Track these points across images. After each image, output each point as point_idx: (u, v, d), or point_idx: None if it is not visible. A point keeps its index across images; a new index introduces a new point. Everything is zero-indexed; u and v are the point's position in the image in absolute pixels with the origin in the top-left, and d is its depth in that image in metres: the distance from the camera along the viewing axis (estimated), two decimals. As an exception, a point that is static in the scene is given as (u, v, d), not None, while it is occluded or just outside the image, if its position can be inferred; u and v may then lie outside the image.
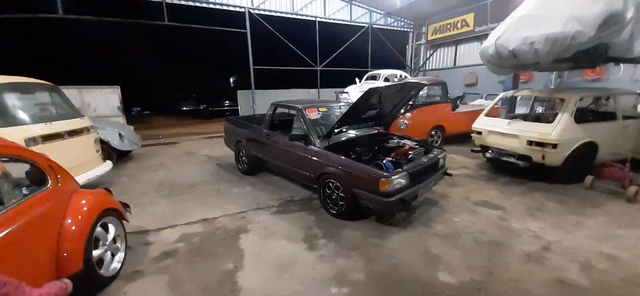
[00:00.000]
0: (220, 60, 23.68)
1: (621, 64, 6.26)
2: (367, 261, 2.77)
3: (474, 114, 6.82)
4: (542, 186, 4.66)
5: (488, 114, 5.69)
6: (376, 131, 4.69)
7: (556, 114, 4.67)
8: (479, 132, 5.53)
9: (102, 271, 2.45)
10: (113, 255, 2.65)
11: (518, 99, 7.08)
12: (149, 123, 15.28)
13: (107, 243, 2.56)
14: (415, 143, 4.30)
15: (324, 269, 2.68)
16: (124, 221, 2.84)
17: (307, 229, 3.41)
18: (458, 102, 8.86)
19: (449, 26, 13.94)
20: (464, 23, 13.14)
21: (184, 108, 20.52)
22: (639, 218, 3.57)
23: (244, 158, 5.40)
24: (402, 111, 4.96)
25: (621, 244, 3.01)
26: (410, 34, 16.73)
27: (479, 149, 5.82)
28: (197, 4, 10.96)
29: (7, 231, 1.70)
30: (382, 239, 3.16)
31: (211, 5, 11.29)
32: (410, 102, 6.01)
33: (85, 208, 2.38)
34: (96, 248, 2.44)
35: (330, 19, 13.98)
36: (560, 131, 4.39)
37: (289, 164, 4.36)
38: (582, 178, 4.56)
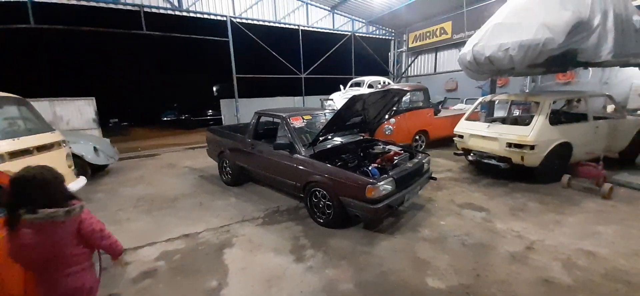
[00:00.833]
0: (202, 69, 23.26)
1: (590, 68, 6.63)
2: (357, 271, 2.72)
3: (456, 118, 7.00)
4: (522, 187, 4.80)
5: (468, 118, 5.85)
6: (361, 138, 4.70)
7: (532, 117, 4.86)
8: (461, 136, 5.67)
9: (73, 297, 2.26)
10: (86, 278, 2.45)
11: (496, 103, 7.34)
12: (128, 135, 14.73)
13: (79, 265, 2.38)
14: (400, 148, 4.33)
15: (313, 281, 2.61)
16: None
17: (295, 240, 3.33)
18: (440, 107, 9.09)
19: (428, 34, 14.37)
20: (442, 31, 13.58)
21: (165, 119, 19.86)
22: (614, 215, 3.72)
23: (227, 169, 5.27)
24: (386, 116, 5.00)
25: (600, 240, 3.12)
26: (392, 42, 17.11)
27: (462, 152, 5.95)
28: (177, 13, 10.76)
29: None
30: (371, 246, 3.13)
31: (191, 14, 11.11)
32: (394, 108, 6.12)
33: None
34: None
35: (313, 28, 14.10)
36: (537, 133, 4.56)
37: (275, 174, 4.28)
38: (560, 177, 4.73)
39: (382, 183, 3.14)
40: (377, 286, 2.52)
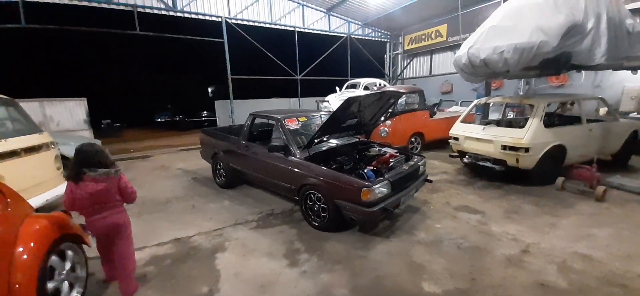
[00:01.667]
0: (197, 70, 23.04)
1: (583, 71, 6.69)
2: (352, 275, 2.68)
3: (451, 121, 7.01)
4: (517, 189, 4.80)
5: (464, 121, 5.86)
6: (357, 140, 4.67)
7: (527, 120, 4.87)
8: (456, 138, 5.67)
9: (58, 305, 2.19)
10: (72, 286, 2.38)
11: (491, 105, 7.38)
12: (120, 136, 14.51)
13: (64, 272, 2.30)
14: (396, 151, 4.31)
15: (307, 286, 2.56)
16: (85, 246, 2.58)
17: (289, 244, 3.27)
18: (435, 109, 9.10)
19: (423, 37, 14.44)
20: (437, 34, 13.65)
21: (159, 120, 19.58)
22: (608, 217, 3.74)
23: (221, 171, 5.19)
24: (382, 119, 4.98)
25: (594, 243, 3.12)
26: (388, 44, 17.17)
27: (457, 154, 5.95)
28: (171, 13, 10.65)
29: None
30: (366, 250, 3.09)
31: (186, 15, 11.01)
32: (390, 110, 6.10)
33: (37, 235, 2.13)
34: (51, 278, 2.19)
35: (309, 29, 14.07)
36: (532, 135, 4.57)
37: (269, 176, 4.22)
38: (554, 180, 4.75)
39: (377, 185, 3.10)
40: (372, 291, 2.48)
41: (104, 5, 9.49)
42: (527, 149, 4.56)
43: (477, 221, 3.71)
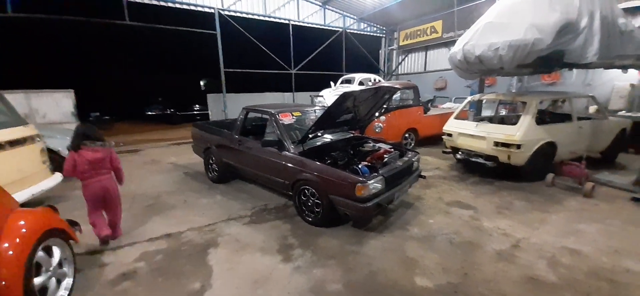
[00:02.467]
0: (189, 62, 22.60)
1: (574, 69, 6.77)
2: (345, 271, 2.67)
3: (445, 117, 7.04)
4: (508, 185, 4.86)
5: (457, 117, 5.89)
6: (351, 135, 4.65)
7: (519, 117, 4.92)
8: (450, 135, 5.71)
9: (45, 301, 2.13)
10: (59, 282, 2.32)
11: (484, 102, 7.45)
12: (110, 130, 14.16)
13: (51, 268, 2.24)
14: (390, 146, 4.30)
15: (300, 281, 2.55)
16: (72, 242, 2.52)
17: (283, 239, 3.26)
18: (429, 105, 9.14)
19: (419, 32, 14.44)
20: (433, 30, 13.67)
21: (150, 113, 19.11)
22: (596, 213, 3.81)
23: (214, 166, 5.12)
24: (376, 114, 4.96)
25: (583, 238, 3.18)
26: (383, 39, 17.13)
27: (450, 150, 6.00)
28: (162, 3, 10.39)
29: None
30: (360, 245, 3.09)
31: (178, 5, 10.77)
32: (385, 106, 6.10)
33: (23, 230, 2.07)
34: (38, 274, 2.13)
35: (304, 23, 13.93)
36: (524, 132, 4.62)
37: (262, 171, 4.18)
38: (544, 176, 4.83)
39: (371, 181, 3.10)
40: (365, 286, 2.48)
41: (93, -6, 9.22)
42: (519, 146, 4.61)
43: (469, 217, 3.75)
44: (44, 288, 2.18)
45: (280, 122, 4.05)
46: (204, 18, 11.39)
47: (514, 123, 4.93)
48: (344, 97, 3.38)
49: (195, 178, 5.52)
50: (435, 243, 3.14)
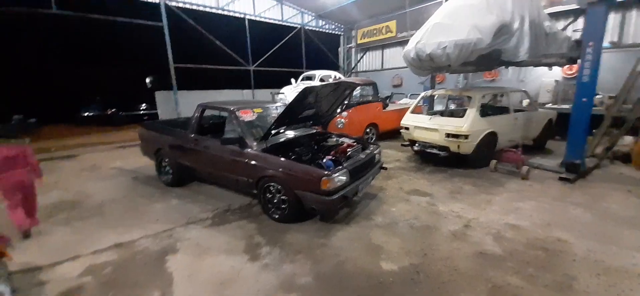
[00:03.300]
0: (132, 57, 20.41)
1: (509, 67, 7.60)
2: (314, 263, 2.68)
3: (402, 112, 7.41)
4: (459, 172, 5.31)
5: (413, 112, 6.25)
6: (315, 131, 4.66)
7: (466, 110, 5.39)
8: (407, 128, 6.03)
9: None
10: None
11: (435, 97, 8.02)
12: (37, 134, 12.32)
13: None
14: (353, 141, 4.41)
15: (269, 278, 2.49)
16: (4, 259, 2.15)
17: (249, 239, 3.15)
18: (388, 101, 9.56)
19: (375, 31, 14.99)
20: (387, 29, 14.30)
21: (86, 114, 16.75)
22: (531, 192, 4.33)
23: (167, 168, 4.77)
24: (338, 110, 5.04)
25: (521, 215, 3.59)
26: (342, 37, 17.47)
27: (408, 143, 6.35)
28: (101, -9, 9.33)
29: None
30: (327, 238, 3.12)
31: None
32: (346, 102, 6.22)
33: None
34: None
35: (261, 17, 13.58)
36: (470, 124, 5.07)
37: (224, 171, 3.99)
38: (488, 163, 5.36)
39: (336, 174, 3.14)
40: (334, 276, 2.51)
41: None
42: (466, 136, 5.05)
43: (426, 203, 4.00)
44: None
45: (241, 119, 3.90)
46: (148, 9, 10.44)
47: (462, 116, 5.38)
48: (305, 92, 3.37)
49: (146, 182, 5.08)
50: (398, 228, 3.30)
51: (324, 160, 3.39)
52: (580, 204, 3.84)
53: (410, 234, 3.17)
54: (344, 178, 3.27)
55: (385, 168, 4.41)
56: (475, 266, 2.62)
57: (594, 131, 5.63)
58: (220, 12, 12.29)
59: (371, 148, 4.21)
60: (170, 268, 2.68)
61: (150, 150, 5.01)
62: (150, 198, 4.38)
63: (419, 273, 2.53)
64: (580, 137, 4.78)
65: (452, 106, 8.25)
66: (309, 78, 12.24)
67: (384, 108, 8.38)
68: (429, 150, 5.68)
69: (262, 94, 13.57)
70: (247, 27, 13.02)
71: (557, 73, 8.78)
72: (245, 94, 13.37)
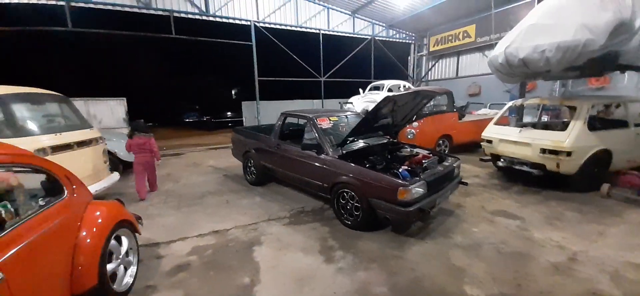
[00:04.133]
0: (223, 72, 23.80)
1: (626, 73, 6.27)
2: (389, 275, 2.67)
3: (481, 123, 6.78)
4: (557, 195, 4.57)
5: (497, 123, 5.66)
6: (387, 140, 4.64)
7: (565, 122, 4.64)
8: (490, 141, 5.48)
9: (115, 287, 2.36)
10: (126, 269, 2.55)
11: (525, 107, 7.08)
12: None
13: (121, 256, 2.47)
14: (428, 152, 4.24)
15: (345, 282, 2.58)
16: (136, 234, 2.76)
17: (323, 241, 3.31)
18: (464, 111, 8.85)
19: (450, 37, 14.09)
20: (465, 34, 13.28)
21: (187, 120, 20.43)
22: (662, 227, 3.47)
23: (252, 168, 5.34)
24: (413, 119, 4.92)
25: (649, 254, 2.91)
26: (412, 46, 16.90)
27: (489, 158, 5.76)
28: (204, 17, 11.09)
29: (24, 243, 1.62)
30: (401, 250, 3.06)
31: (217, 19, 11.42)
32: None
33: (99, 220, 2.30)
34: (110, 261, 2.36)
35: (333, 32, 14.15)
36: (575, 139, 4.34)
37: (301, 174, 4.29)
38: (598, 186, 4.49)
39: (414, 185, 3.08)
40: (412, 291, 2.46)
41: (144, 11, 10.05)
42: (569, 153, 4.34)
43: (516, 227, 3.57)
44: (113, 275, 2.40)
45: (319, 126, 4.15)
46: (240, 30, 11.98)
47: (562, 129, 4.64)
48: (386, 100, 3.41)
49: (234, 179, 5.78)
50: (482, 251, 3.03)
51: (400, 170, 3.35)
52: None
53: (498, 260, 2.88)
54: (422, 190, 3.17)
55: (466, 183, 4.11)
56: (585, 306, 2.24)
57: None
58: (298, 29, 13.27)
59: (449, 161, 3.98)
60: (257, 257, 3.00)
61: (239, 152, 5.70)
62: (237, 193, 4.98)
63: (511, 303, 2.29)
64: None
65: (545, 118, 7.16)
66: (377, 88, 12.17)
67: (460, 119, 7.78)
68: (517, 167, 5.04)
69: (331, 104, 14.03)
70: (320, 41, 13.72)
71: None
72: (315, 104, 14.04)
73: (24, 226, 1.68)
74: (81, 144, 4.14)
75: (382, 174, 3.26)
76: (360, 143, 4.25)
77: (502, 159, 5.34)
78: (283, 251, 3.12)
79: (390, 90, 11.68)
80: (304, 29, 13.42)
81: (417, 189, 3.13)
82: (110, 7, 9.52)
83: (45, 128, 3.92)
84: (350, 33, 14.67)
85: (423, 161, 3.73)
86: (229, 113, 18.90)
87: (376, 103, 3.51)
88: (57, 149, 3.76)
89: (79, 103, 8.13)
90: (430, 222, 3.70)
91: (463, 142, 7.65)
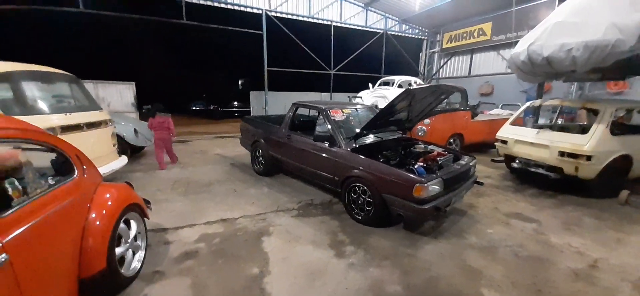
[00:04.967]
0: (231, 61, 23.72)
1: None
2: (403, 273, 2.58)
3: (494, 123, 6.60)
4: (573, 200, 4.43)
5: (513, 123, 5.49)
6: (400, 135, 4.52)
7: (584, 125, 4.46)
8: (505, 142, 5.33)
9: (123, 271, 2.31)
10: (134, 253, 2.51)
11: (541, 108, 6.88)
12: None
13: (129, 240, 2.42)
14: (443, 149, 4.12)
15: (357, 279, 2.50)
16: (144, 218, 2.70)
17: (333, 235, 3.24)
18: (476, 110, 8.65)
19: (465, 35, 13.77)
20: (480, 32, 12.96)
21: (194, 108, 20.42)
22: (688, 238, 3.33)
23: (260, 159, 5.27)
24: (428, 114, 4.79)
25: (676, 265, 2.78)
26: (424, 42, 16.59)
27: (502, 158, 5.61)
28: (216, 4, 10.95)
29: (31, 223, 1.54)
30: (415, 249, 2.98)
31: (229, 6, 11.28)
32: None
33: (109, 203, 2.24)
34: (118, 245, 2.30)
35: (345, 24, 13.92)
36: (596, 143, 4.18)
37: (311, 166, 4.20)
38: (616, 193, 4.34)
39: (431, 182, 2.97)
40: (426, 290, 2.37)
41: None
42: (589, 158, 4.18)
43: (532, 230, 3.46)
44: (122, 259, 2.35)
45: (332, 118, 4.05)
46: (251, 19, 11.82)
47: (582, 132, 4.47)
48: (406, 93, 3.29)
49: (242, 169, 5.73)
50: (499, 254, 2.93)
51: (416, 166, 3.24)
52: None
53: (516, 264, 2.77)
54: (438, 187, 3.07)
55: (481, 183, 3.99)
56: (610, 317, 2.13)
57: None
58: (310, 20, 13.06)
59: (466, 159, 3.86)
60: (266, 248, 2.94)
61: (248, 141, 5.63)
62: (245, 183, 4.92)
63: (530, 309, 2.19)
64: None
65: (560, 121, 6.96)
66: (387, 83, 11.98)
67: (473, 118, 7.60)
68: (533, 169, 4.90)
69: (340, 97, 13.89)
70: (332, 33, 13.51)
71: None
72: (323, 97, 13.92)
73: (32, 205, 1.61)
74: (91, 125, 4.10)
75: (397, 169, 3.16)
76: (373, 137, 4.15)
77: (517, 161, 5.20)
78: (292, 243, 3.05)
79: (400, 86, 11.49)
80: (315, 20, 13.21)
81: (434, 187, 3.03)
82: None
83: (55, 107, 3.88)
84: (362, 26, 14.42)
85: (438, 159, 3.62)
86: (235, 103, 18.84)
87: (393, 97, 3.39)
88: (66, 129, 3.72)
89: (88, 85, 8.11)
90: (443, 221, 3.60)
91: (474, 142, 7.49)
